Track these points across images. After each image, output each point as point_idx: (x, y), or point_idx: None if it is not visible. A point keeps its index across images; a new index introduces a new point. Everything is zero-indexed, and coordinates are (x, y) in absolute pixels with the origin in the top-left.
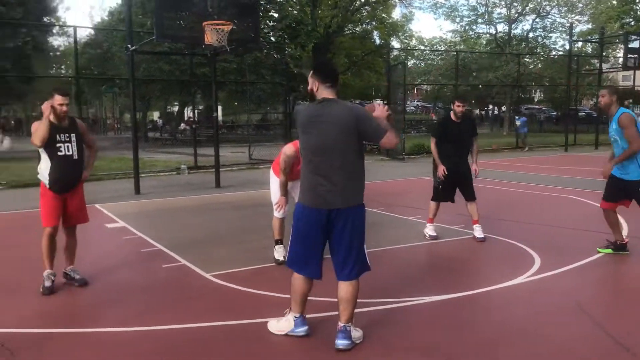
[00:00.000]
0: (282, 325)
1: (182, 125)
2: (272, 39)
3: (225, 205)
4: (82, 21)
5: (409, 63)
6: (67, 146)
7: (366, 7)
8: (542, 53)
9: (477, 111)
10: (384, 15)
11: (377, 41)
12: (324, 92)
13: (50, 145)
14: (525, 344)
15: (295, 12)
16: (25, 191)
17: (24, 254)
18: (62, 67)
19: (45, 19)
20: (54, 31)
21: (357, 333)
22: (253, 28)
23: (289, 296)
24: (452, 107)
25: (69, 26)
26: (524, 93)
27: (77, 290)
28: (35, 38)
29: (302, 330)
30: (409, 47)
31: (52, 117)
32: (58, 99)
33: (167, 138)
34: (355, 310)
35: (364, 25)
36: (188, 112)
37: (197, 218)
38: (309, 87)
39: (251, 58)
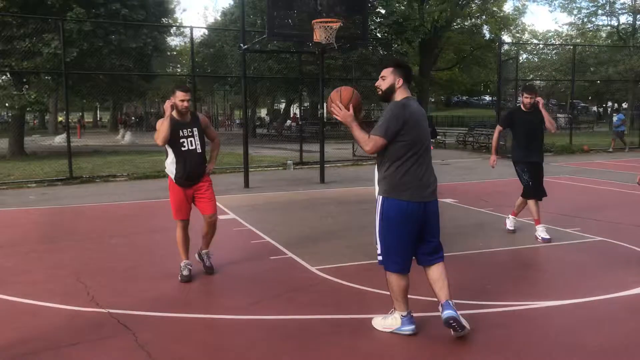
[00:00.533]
0: (388, 322)
1: (288, 122)
2: (378, 35)
3: (330, 200)
4: (196, 22)
5: (520, 58)
6: (190, 140)
7: (476, 1)
8: None
9: (595, 108)
10: (494, 8)
11: (487, 36)
12: (406, 91)
13: (174, 141)
14: None
15: (402, 7)
16: (145, 182)
17: (143, 241)
18: (178, 66)
19: (164, 20)
20: (172, 31)
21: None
22: (361, 25)
23: None
24: (521, 99)
25: (186, 27)
26: None
27: (195, 278)
28: (156, 38)
29: (409, 329)
30: (521, 42)
31: (174, 113)
32: (179, 95)
33: (273, 134)
34: (467, 312)
35: (474, 20)
36: (294, 109)
37: (303, 212)
38: (384, 82)
39: (357, 55)
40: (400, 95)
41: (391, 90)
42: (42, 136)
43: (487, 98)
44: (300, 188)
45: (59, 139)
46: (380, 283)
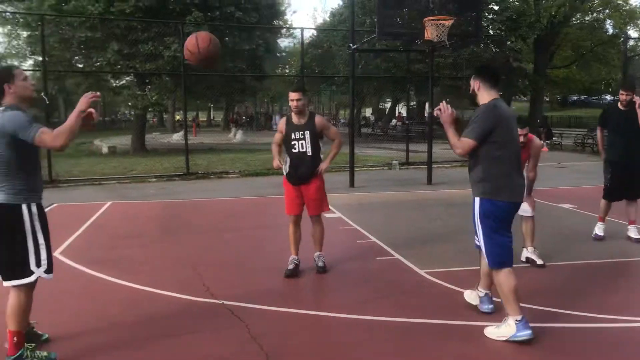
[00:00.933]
0: (502, 330)
1: (393, 122)
2: (491, 31)
3: (438, 202)
4: (305, 23)
5: None
6: (301, 143)
7: None
8: None
9: None
10: (619, 1)
11: (610, 31)
12: (489, 93)
13: (287, 142)
14: None
15: (517, 3)
16: (256, 180)
17: (254, 236)
18: (287, 66)
19: (275, 22)
20: (283, 33)
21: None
22: (474, 22)
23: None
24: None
25: (297, 28)
26: None
27: (304, 274)
28: (267, 40)
29: (525, 334)
30: None
31: (292, 114)
32: (290, 95)
33: (378, 134)
34: (588, 325)
35: (595, 14)
36: (399, 109)
37: (409, 213)
38: (471, 90)
39: (467, 52)
40: (483, 97)
41: (474, 95)
42: (161, 134)
43: (609, 97)
44: (407, 188)
45: (177, 137)
46: (494, 289)
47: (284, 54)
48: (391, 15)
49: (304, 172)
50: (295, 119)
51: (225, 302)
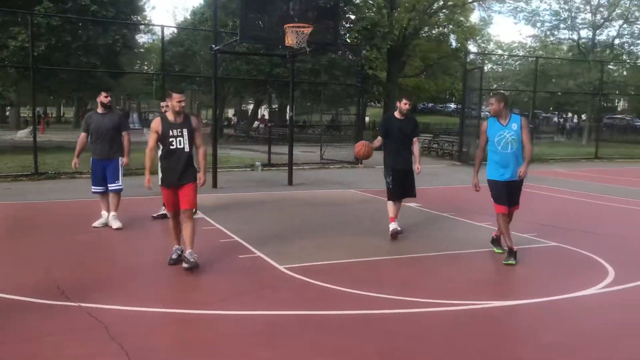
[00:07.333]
0: None
1: (256, 123)
2: (348, 40)
3: (299, 202)
4: (165, 19)
5: (485, 67)
6: (179, 140)
7: (444, 10)
8: (628, 60)
9: (555, 119)
10: (461, 18)
11: (454, 44)
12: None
13: (163, 140)
14: (589, 356)
15: (372, 13)
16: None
17: (109, 236)
18: (146, 63)
19: (134, 18)
20: (141, 29)
21: None
22: (333, 30)
23: (360, 292)
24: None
25: (157, 25)
26: (607, 102)
27: (165, 274)
28: (125, 36)
29: None
30: (486, 52)
31: (168, 114)
32: (175, 97)
33: (240, 135)
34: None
35: (441, 29)
36: (262, 111)
37: (271, 213)
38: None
39: (326, 59)
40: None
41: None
42: (2, 130)
43: (452, 106)
44: (269, 189)
45: (22, 134)
46: (347, 281)
47: (142, 50)
48: (254, 19)
49: (180, 168)
50: (171, 117)
51: (82, 305)
